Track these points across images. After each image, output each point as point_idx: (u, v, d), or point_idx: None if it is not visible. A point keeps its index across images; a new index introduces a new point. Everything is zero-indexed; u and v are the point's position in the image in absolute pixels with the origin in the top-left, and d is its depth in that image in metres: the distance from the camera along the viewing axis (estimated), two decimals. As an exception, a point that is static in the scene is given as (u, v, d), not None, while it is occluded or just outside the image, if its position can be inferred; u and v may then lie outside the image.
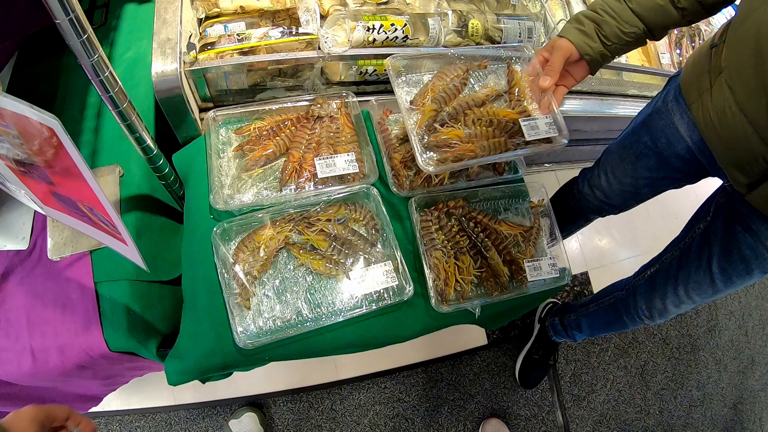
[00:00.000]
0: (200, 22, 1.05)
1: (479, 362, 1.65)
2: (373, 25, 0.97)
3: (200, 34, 1.05)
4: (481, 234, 1.00)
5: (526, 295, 1.03)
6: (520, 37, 1.15)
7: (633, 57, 1.52)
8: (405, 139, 1.03)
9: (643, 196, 1.16)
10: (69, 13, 0.58)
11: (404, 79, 1.01)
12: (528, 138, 0.91)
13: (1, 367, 0.90)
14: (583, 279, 1.89)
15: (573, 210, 1.33)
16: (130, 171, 1.08)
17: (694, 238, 1.04)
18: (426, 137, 0.93)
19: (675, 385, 1.92)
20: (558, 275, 1.03)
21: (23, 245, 1.00)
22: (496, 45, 1.12)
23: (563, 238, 1.58)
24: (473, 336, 1.69)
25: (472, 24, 1.10)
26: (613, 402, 1.79)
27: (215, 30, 1.03)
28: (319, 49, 0.97)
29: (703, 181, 1.05)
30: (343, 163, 0.97)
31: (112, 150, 1.09)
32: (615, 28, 0.87)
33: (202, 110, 1.07)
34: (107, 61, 0.69)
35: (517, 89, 1.02)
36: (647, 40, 0.91)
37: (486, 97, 1.00)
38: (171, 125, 1.04)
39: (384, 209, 0.96)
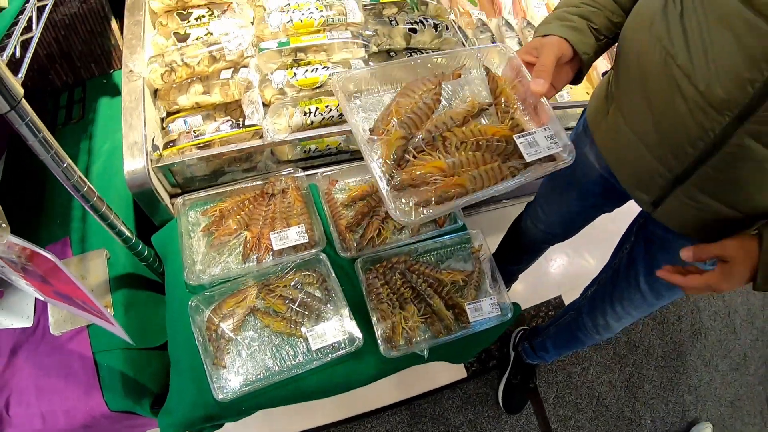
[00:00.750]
0: (163, 120, 1.26)
1: (461, 395, 1.80)
2: (309, 109, 1.16)
3: (164, 129, 1.26)
4: (424, 284, 1.17)
5: (473, 334, 1.20)
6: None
7: (579, 91, 1.68)
8: (349, 205, 1.22)
9: (578, 223, 1.31)
10: (37, 135, 0.77)
11: (359, 103, 0.86)
12: (528, 158, 0.78)
13: (15, 430, 1.11)
14: (557, 303, 2.04)
15: (524, 243, 1.49)
16: (115, 253, 1.28)
17: (622, 259, 1.19)
18: (396, 176, 0.77)
19: (664, 392, 2.03)
20: (499, 313, 1.20)
21: (28, 323, 1.20)
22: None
23: (522, 270, 1.75)
24: (452, 371, 1.84)
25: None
26: (601, 418, 1.91)
27: (177, 125, 1.24)
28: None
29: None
30: (295, 234, 1.15)
31: (99, 235, 1.29)
32: (604, 18, 0.85)
33: (173, 196, 1.27)
34: (75, 167, 0.88)
35: (503, 99, 0.87)
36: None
37: (467, 112, 0.86)
38: (146, 212, 1.25)
39: (333, 272, 1.15)
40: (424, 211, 0.75)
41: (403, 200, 0.77)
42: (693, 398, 2.06)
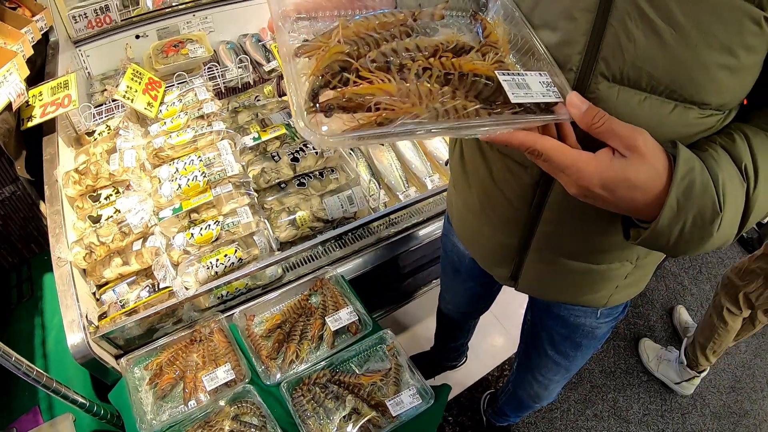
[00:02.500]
0: (95, 292, 1.57)
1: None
2: (211, 262, 1.45)
3: (98, 299, 1.57)
4: (345, 391, 1.44)
5: (406, 423, 1.45)
6: (342, 207, 1.61)
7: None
8: (267, 336, 1.50)
9: (483, 302, 1.56)
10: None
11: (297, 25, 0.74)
12: (513, 98, 0.65)
13: None
14: None
15: (452, 323, 1.74)
16: (80, 415, 1.59)
17: (527, 333, 1.43)
18: (321, 94, 0.62)
19: (656, 405, 2.21)
20: (421, 401, 1.45)
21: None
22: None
23: (465, 345, 1.98)
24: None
25: (300, 218, 1.57)
26: (594, 451, 2.12)
27: (108, 296, 1.55)
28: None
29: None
30: (223, 373, 1.44)
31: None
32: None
33: (119, 356, 1.57)
34: (21, 359, 1.17)
35: (492, 43, 0.75)
36: None
37: (440, 44, 0.71)
38: (97, 376, 1.55)
39: (261, 399, 1.42)
40: (353, 134, 0.58)
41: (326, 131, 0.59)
42: (689, 399, 2.24)
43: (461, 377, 2.14)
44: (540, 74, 0.70)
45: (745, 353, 2.48)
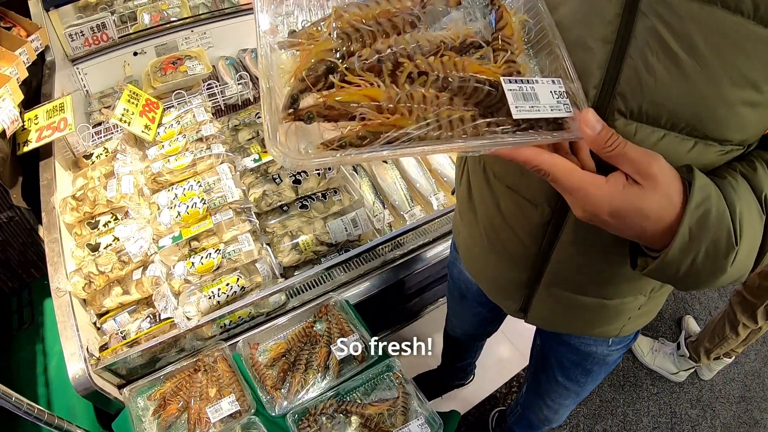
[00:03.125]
0: (96, 322, 1.53)
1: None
2: (213, 292, 1.41)
3: (99, 329, 1.52)
4: (353, 422, 1.39)
5: (414, 452, 1.41)
6: (346, 231, 1.56)
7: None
8: (271, 365, 1.45)
9: (492, 325, 1.51)
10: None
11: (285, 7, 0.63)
12: (516, 113, 0.57)
13: None
14: (527, 375, 2.20)
15: (460, 344, 1.69)
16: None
17: (536, 357, 1.38)
18: (299, 100, 0.55)
19: (665, 418, 2.16)
20: (430, 430, 1.40)
21: None
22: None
23: (472, 365, 1.94)
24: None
25: (303, 242, 1.52)
26: (605, 467, 2.07)
27: (108, 325, 1.50)
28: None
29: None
30: (227, 405, 1.39)
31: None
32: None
33: (121, 386, 1.53)
34: (21, 399, 1.13)
35: (505, 37, 0.65)
36: None
37: (443, 41, 0.61)
38: (100, 407, 1.51)
39: (267, 430, 1.37)
40: (332, 154, 0.51)
41: (302, 145, 0.53)
42: (699, 410, 2.20)
43: (469, 394, 2.09)
44: (553, 81, 0.62)
45: (755, 362, 2.43)
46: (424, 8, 0.64)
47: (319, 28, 0.60)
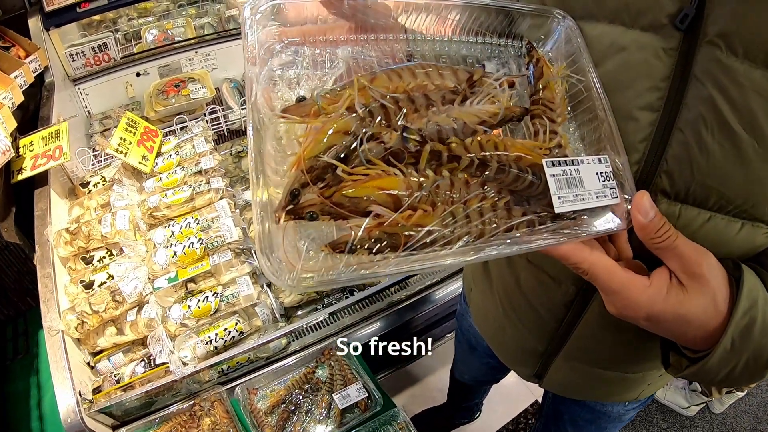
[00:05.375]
0: (89, 361, 1.42)
1: None
2: (210, 337, 1.29)
3: (93, 368, 1.42)
4: (355, 476, 1.28)
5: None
6: (352, 270, 1.44)
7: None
8: (271, 412, 1.34)
9: (501, 373, 1.39)
10: None
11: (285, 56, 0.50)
12: (559, 207, 0.48)
13: None
14: (534, 409, 2.08)
15: (467, 388, 1.58)
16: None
17: (548, 410, 1.26)
18: (302, 195, 0.44)
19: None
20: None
21: None
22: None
23: (479, 404, 1.82)
24: None
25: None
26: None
27: (103, 365, 1.39)
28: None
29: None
30: (224, 456, 1.28)
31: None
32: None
33: (116, 427, 1.42)
34: None
35: (545, 99, 0.55)
36: None
37: (482, 117, 0.51)
38: (92, 450, 1.40)
39: (265, 485, 1.27)
40: (333, 273, 0.41)
41: (302, 242, 0.43)
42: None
43: (475, 431, 1.97)
44: (599, 160, 0.52)
45: (766, 393, 2.31)
46: (473, 89, 0.53)
47: (338, 97, 0.48)
